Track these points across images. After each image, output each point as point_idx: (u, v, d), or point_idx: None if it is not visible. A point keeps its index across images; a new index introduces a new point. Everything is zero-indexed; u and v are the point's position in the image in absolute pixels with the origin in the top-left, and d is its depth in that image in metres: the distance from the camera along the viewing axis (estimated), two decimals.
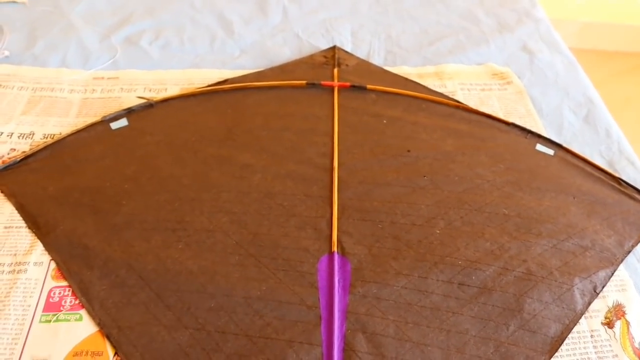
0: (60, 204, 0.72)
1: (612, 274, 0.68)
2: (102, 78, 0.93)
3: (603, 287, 0.67)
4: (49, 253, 0.67)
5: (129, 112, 0.83)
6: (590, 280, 0.67)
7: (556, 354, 0.60)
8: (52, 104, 0.88)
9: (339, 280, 0.65)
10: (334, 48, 1.02)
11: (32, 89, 0.91)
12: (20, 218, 0.70)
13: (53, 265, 0.65)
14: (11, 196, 0.73)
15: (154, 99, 0.86)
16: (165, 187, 0.74)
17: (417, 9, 1.16)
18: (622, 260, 0.70)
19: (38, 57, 0.98)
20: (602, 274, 0.68)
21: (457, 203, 0.74)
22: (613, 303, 0.65)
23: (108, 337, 0.60)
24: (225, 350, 0.59)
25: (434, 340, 0.61)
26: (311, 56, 1.00)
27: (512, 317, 0.63)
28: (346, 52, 1.02)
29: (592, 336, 0.62)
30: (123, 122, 0.82)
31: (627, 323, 0.63)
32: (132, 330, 0.61)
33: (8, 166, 0.76)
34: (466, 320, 0.63)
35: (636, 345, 0.61)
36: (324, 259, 0.67)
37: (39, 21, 1.08)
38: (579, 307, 0.65)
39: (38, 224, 0.70)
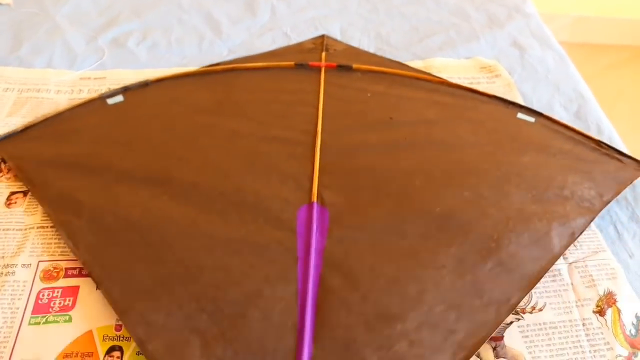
0: (56, 166, 0.75)
1: (591, 221, 0.69)
2: (89, 78, 0.93)
3: (581, 233, 0.67)
4: (42, 206, 0.70)
5: (125, 90, 0.88)
6: (568, 226, 0.68)
7: (548, 342, 0.59)
8: (39, 105, 0.87)
9: (317, 226, 0.67)
10: (322, 36, 1.06)
11: (18, 90, 0.90)
12: (7, 220, 0.70)
13: (42, 266, 0.64)
14: (10, 159, 0.76)
15: (150, 79, 0.90)
16: (156, 150, 0.77)
17: (406, 6, 1.19)
18: (600, 210, 0.70)
19: (23, 60, 0.98)
20: (580, 220, 0.68)
21: (437, 159, 0.75)
22: (604, 291, 0.64)
23: (91, 275, 0.62)
24: (202, 281, 0.61)
25: (409, 276, 0.62)
26: (300, 43, 1.04)
27: (490, 256, 0.64)
28: (334, 39, 1.06)
29: (584, 324, 0.61)
30: (119, 98, 0.86)
31: (618, 311, 0.62)
32: (114, 268, 0.63)
33: (8, 135, 0.80)
34: (443, 259, 0.63)
35: (627, 333, 0.60)
36: (303, 208, 0.69)
37: (24, 23, 1.07)
38: (556, 249, 0.65)
39: (34, 183, 0.73)
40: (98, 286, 0.61)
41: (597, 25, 1.99)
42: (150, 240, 0.65)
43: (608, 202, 0.71)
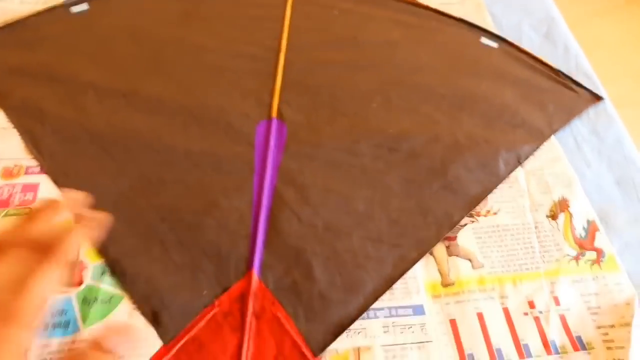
0: (19, 74, 0.75)
1: (537, 148, 0.72)
2: None
3: (526, 158, 0.71)
4: (5, 113, 0.71)
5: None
6: (515, 152, 0.71)
7: (500, 242, 0.63)
8: (2, 16, 0.83)
9: (274, 140, 0.69)
10: None
11: None
12: None
13: (2, 165, 0.66)
14: None
15: None
16: (121, 61, 0.77)
17: None
18: (548, 137, 0.74)
19: None
20: (527, 147, 0.72)
21: (396, 82, 0.77)
22: (558, 197, 0.68)
23: (55, 183, 0.64)
24: (163, 194, 0.63)
25: (359, 194, 0.65)
26: None
27: (436, 178, 0.67)
28: None
29: (536, 227, 0.65)
30: (84, 7, 0.85)
31: (570, 215, 0.66)
32: (78, 177, 0.65)
33: None
34: (392, 179, 0.67)
35: (577, 235, 0.64)
36: (262, 123, 0.71)
37: None
38: (501, 173, 0.69)
39: None
40: (62, 194, 0.64)
41: None
42: (114, 153, 0.67)
43: (556, 131, 0.74)
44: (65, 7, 0.85)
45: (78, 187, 0.63)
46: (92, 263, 0.59)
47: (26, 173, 0.66)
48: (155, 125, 0.70)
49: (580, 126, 0.77)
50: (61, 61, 0.77)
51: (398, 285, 0.59)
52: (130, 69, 0.76)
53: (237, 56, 0.79)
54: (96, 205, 0.63)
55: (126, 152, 0.67)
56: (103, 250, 0.59)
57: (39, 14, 0.84)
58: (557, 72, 0.83)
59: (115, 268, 0.58)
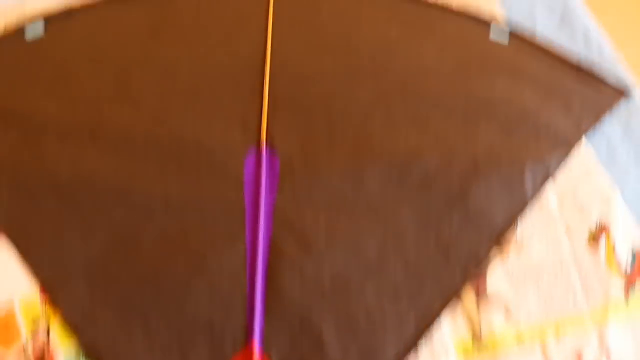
0: None
1: (566, 156, 0.63)
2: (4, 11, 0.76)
3: (556, 170, 0.62)
4: None
5: (46, 22, 0.75)
6: (543, 165, 0.62)
7: (536, 278, 0.55)
8: None
9: (266, 177, 0.60)
10: None
11: None
12: None
13: None
14: None
15: (75, 6, 0.77)
16: (83, 88, 0.67)
17: None
18: (577, 142, 0.64)
19: None
20: (555, 157, 0.63)
21: (399, 92, 0.68)
22: (597, 219, 0.59)
23: (17, 248, 0.55)
24: (141, 256, 0.55)
25: (369, 234, 0.56)
26: None
27: (455, 208, 0.58)
28: None
29: (574, 260, 0.57)
30: (39, 31, 0.74)
31: (612, 239, 0.58)
32: (42, 239, 0.56)
33: None
34: (405, 214, 0.58)
35: (622, 262, 0.56)
36: (251, 153, 0.62)
37: None
38: (529, 193, 0.60)
39: None
40: (24, 261, 0.55)
41: None
42: (81, 206, 0.58)
43: (585, 133, 0.65)
44: (19, 32, 0.74)
45: (41, 251, 0.56)
46: (63, 347, 0.50)
47: None
48: (125, 167, 0.60)
49: (611, 126, 0.68)
50: (16, 96, 0.67)
51: (423, 346, 0.51)
52: (94, 99, 0.66)
53: (215, 71, 0.69)
54: (63, 274, 0.55)
55: (95, 204, 0.58)
56: (75, 330, 0.50)
57: None
58: (579, 65, 0.73)
59: (91, 353, 0.50)
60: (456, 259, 0.55)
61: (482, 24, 0.76)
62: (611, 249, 0.57)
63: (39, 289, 0.53)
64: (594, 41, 0.77)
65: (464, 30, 0.76)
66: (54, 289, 0.53)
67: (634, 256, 0.57)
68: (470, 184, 0.60)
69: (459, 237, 0.56)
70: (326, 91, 0.67)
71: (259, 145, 0.62)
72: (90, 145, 0.62)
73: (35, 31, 0.74)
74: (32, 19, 0.75)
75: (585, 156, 0.64)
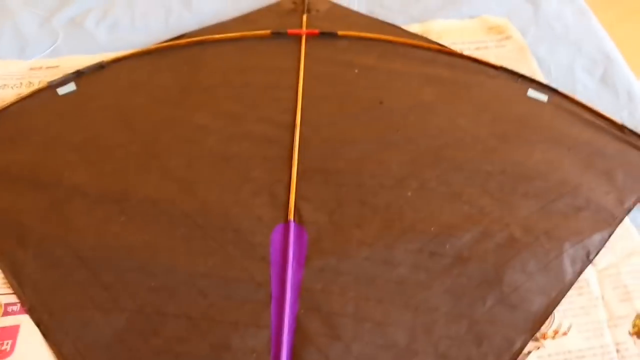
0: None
1: (609, 236, 0.60)
2: (40, 68, 0.81)
3: (597, 252, 0.59)
4: None
5: (77, 76, 0.76)
6: (583, 245, 0.59)
7: None
8: None
9: (293, 253, 0.58)
10: None
11: None
12: None
13: None
14: None
15: (106, 60, 0.78)
16: (112, 156, 0.67)
17: None
18: (621, 221, 0.61)
19: None
20: (597, 237, 0.60)
21: (433, 160, 0.65)
22: None
23: (38, 325, 0.55)
24: (164, 334, 0.53)
25: (398, 320, 0.54)
26: (278, 3, 0.90)
27: (490, 290, 0.56)
28: None
29: (617, 350, 0.52)
30: (71, 87, 0.75)
31: None
32: (65, 315, 0.55)
33: None
34: (436, 296, 0.55)
35: None
36: (278, 228, 0.60)
37: None
38: (569, 276, 0.57)
39: None
40: (46, 339, 0.54)
41: None
42: (105, 279, 0.57)
43: (629, 210, 0.62)
44: (51, 88, 0.75)
45: (65, 326, 0.55)
46: None
47: (4, 313, 0.56)
48: (151, 238, 0.59)
49: None
50: (45, 159, 0.67)
51: None
52: (122, 165, 0.66)
53: (244, 137, 0.68)
54: (85, 354, 0.54)
55: (119, 277, 0.57)
56: None
57: (22, 100, 0.74)
58: (622, 128, 0.70)
59: None
60: (489, 348, 0.52)
61: (520, 79, 0.73)
62: None
63: None
64: (637, 99, 0.74)
65: (501, 87, 0.73)
66: None
67: None
68: (506, 264, 0.57)
69: (493, 321, 0.54)
70: (357, 159, 0.66)
71: (287, 219, 0.60)
72: (116, 215, 0.61)
73: (67, 88, 0.75)
74: (65, 79, 0.75)
75: (628, 233, 0.61)
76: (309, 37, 0.80)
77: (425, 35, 0.82)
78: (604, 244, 0.59)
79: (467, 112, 0.71)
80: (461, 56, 0.77)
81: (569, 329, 0.54)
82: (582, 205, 0.61)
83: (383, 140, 0.68)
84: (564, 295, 0.56)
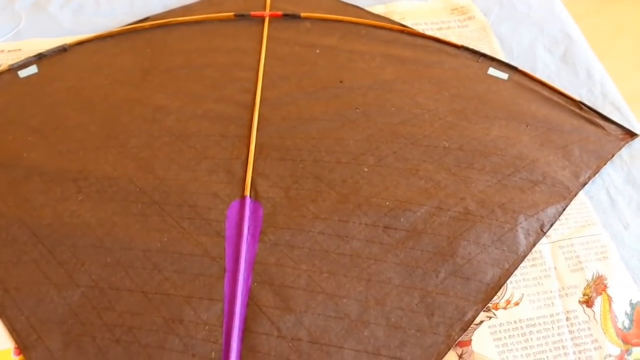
0: None
1: (563, 210, 0.61)
2: (2, 51, 0.80)
3: (552, 225, 0.59)
4: None
5: (39, 58, 0.76)
6: (537, 218, 0.59)
7: (525, 344, 0.52)
8: None
9: (248, 227, 0.58)
10: None
11: None
12: None
13: None
14: None
15: (68, 43, 0.78)
16: (71, 136, 0.67)
17: None
18: (576, 194, 0.62)
19: None
20: (551, 210, 0.60)
21: (390, 137, 0.66)
22: (593, 275, 0.56)
23: None
24: (118, 308, 0.53)
25: (351, 292, 0.54)
26: None
27: (443, 262, 0.56)
28: None
29: (567, 319, 0.53)
30: (32, 70, 0.75)
31: (609, 299, 0.54)
32: (19, 291, 0.55)
33: None
34: (390, 268, 0.56)
35: (619, 325, 0.52)
36: (234, 204, 0.60)
37: None
38: (522, 248, 0.57)
39: None
40: (0, 314, 0.54)
41: None
42: (60, 256, 0.57)
43: (584, 184, 0.63)
44: (12, 70, 0.75)
45: (18, 302, 0.55)
46: None
47: None
48: (107, 215, 0.59)
49: (612, 173, 0.65)
50: (6, 140, 0.67)
51: None
52: (81, 145, 0.66)
53: (202, 117, 0.68)
54: (39, 329, 0.54)
55: (74, 254, 0.57)
56: None
57: None
58: (579, 104, 0.70)
59: None
60: (441, 318, 0.53)
61: (481, 58, 0.74)
62: (607, 309, 0.54)
63: (14, 346, 0.52)
64: (596, 77, 0.75)
65: (461, 67, 0.74)
66: (27, 345, 0.52)
67: (630, 319, 0.53)
68: (460, 236, 0.57)
69: (445, 293, 0.54)
70: (314, 136, 0.66)
71: (243, 195, 0.61)
72: (73, 193, 0.61)
73: (28, 70, 0.74)
74: (26, 61, 0.75)
75: (582, 207, 0.61)
76: (272, 18, 0.80)
77: (388, 16, 0.83)
78: (559, 216, 0.60)
79: (426, 90, 0.71)
80: (423, 36, 0.78)
81: (520, 299, 0.55)
82: (538, 180, 0.62)
83: (341, 117, 0.68)
84: (517, 266, 0.56)
